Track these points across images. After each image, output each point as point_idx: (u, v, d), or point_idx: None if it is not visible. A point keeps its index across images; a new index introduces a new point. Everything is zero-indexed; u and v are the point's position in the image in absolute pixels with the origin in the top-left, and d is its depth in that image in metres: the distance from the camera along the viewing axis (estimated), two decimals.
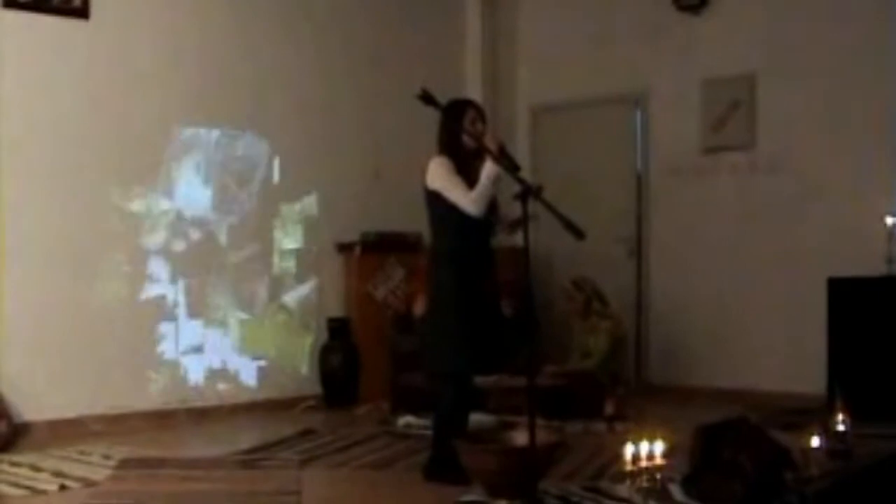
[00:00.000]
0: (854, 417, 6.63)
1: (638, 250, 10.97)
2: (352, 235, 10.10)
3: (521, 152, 11.59)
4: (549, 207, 5.65)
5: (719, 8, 10.38)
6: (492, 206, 6.69)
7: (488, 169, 6.44)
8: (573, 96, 11.40)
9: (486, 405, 8.56)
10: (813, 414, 7.65)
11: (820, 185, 9.69)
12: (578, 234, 5.50)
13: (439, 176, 6.62)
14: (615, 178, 11.15)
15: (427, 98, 6.34)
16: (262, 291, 9.85)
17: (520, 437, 5.92)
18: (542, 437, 5.78)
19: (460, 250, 6.66)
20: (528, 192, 5.66)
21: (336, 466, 7.25)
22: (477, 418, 8.00)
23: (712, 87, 10.38)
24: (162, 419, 9.01)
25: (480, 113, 6.73)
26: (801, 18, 9.89)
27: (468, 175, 6.58)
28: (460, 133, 6.59)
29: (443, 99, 6.42)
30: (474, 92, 11.18)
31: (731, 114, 10.24)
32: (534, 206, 5.69)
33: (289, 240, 10.04)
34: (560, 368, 9.36)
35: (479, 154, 6.59)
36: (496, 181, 6.50)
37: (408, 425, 8.25)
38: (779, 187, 9.94)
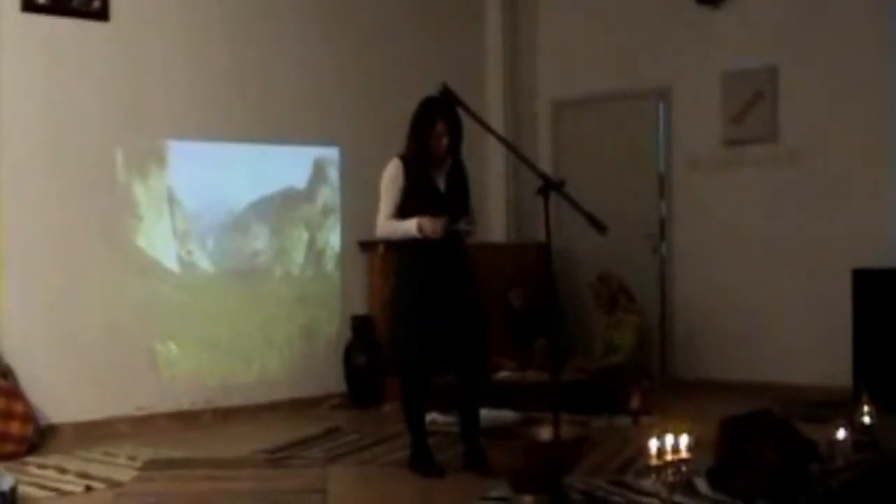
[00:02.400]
0: (880, 409, 6.60)
1: (661, 244, 10.93)
2: (375, 234, 10.06)
3: (542, 147, 11.62)
4: (572, 202, 5.65)
5: (738, 1, 10.34)
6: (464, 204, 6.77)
7: (411, 226, 6.59)
8: (594, 91, 11.36)
9: (510, 401, 8.55)
10: (838, 406, 7.62)
11: (843, 176, 9.66)
12: (600, 227, 5.50)
13: (382, 180, 6.79)
14: (637, 173, 11.11)
15: (448, 94, 6.35)
16: (285, 290, 9.85)
17: (544, 433, 5.91)
18: (567, 431, 5.78)
19: (411, 249, 6.73)
20: (550, 187, 5.66)
21: (361, 464, 7.27)
22: (502, 414, 8.00)
23: (733, 80, 10.34)
24: (187, 420, 9.03)
25: (452, 124, 6.66)
26: (820, 9, 9.84)
27: (426, 179, 6.70)
28: (426, 144, 6.67)
29: (464, 94, 6.42)
30: (495, 86, 11.22)
31: (752, 106, 10.20)
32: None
33: (311, 239, 10.04)
34: (587, 364, 9.37)
35: (445, 157, 6.64)
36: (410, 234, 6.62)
37: (433, 422, 8.23)
38: (802, 179, 9.90)
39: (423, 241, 6.60)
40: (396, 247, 6.91)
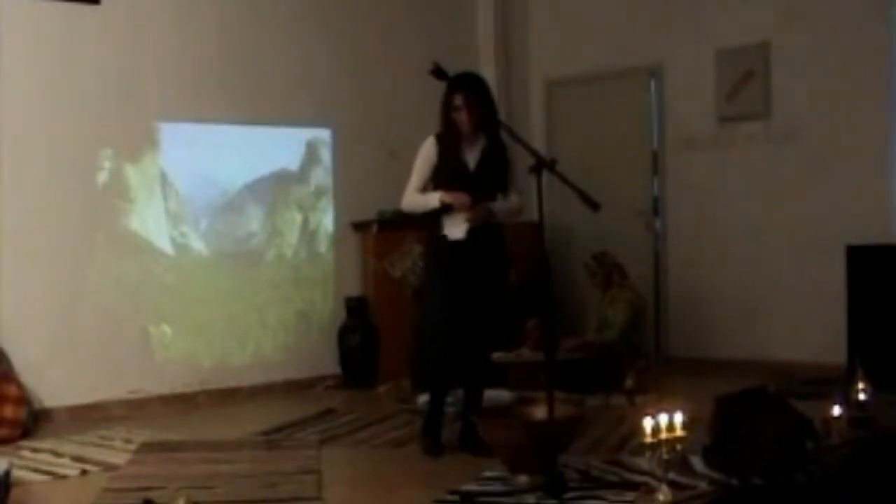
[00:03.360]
0: (875, 386, 6.61)
1: (655, 222, 10.91)
2: (368, 214, 10.07)
3: (535, 125, 11.61)
4: (564, 180, 5.64)
5: None
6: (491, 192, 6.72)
7: (439, 198, 6.58)
8: (587, 69, 11.35)
9: (505, 381, 8.55)
10: (833, 383, 7.61)
11: (837, 152, 9.64)
12: (593, 205, 5.49)
13: (417, 157, 6.79)
14: (631, 151, 11.09)
15: (439, 72, 6.34)
16: (278, 272, 9.83)
17: (539, 412, 5.90)
18: (562, 411, 5.77)
19: (436, 234, 6.73)
20: (542, 165, 5.64)
21: (356, 445, 7.27)
22: (496, 394, 8.00)
23: (726, 56, 10.31)
24: (181, 402, 9.03)
25: (469, 97, 6.57)
26: None
27: (454, 157, 6.67)
28: (449, 121, 6.64)
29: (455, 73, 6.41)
30: (487, 65, 11.16)
31: (745, 83, 10.18)
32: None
33: (305, 220, 10.02)
34: (580, 340, 9.35)
35: (472, 134, 6.60)
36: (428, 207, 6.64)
37: (427, 403, 8.24)
38: (795, 156, 9.88)
39: (441, 234, 6.64)
40: (427, 230, 6.87)
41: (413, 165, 6.80)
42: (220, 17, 9.47)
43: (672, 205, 10.81)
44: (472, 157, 6.68)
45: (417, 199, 6.73)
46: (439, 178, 6.70)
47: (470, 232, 6.59)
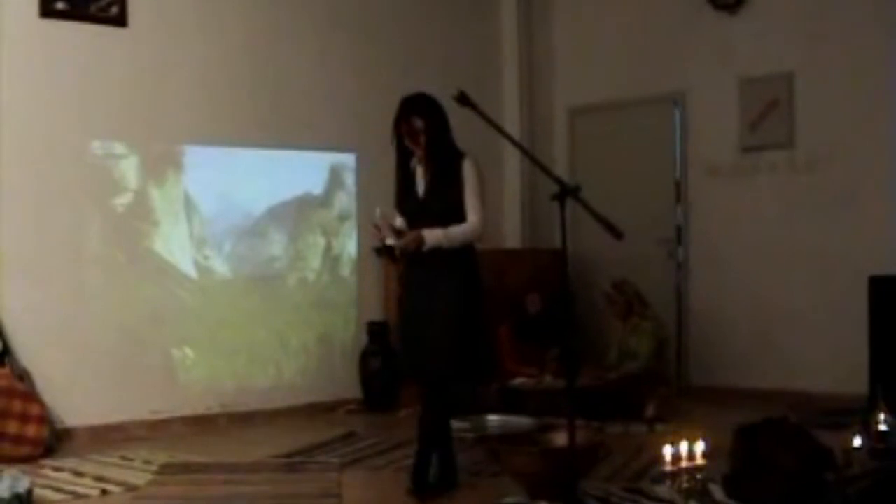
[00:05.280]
0: None
1: (677, 250, 10.91)
2: (390, 239, 10.06)
3: (558, 153, 11.62)
4: (588, 208, 5.63)
5: (756, 6, 10.31)
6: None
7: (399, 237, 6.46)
8: (610, 97, 11.35)
9: (526, 407, 8.55)
10: (854, 413, 7.59)
11: (860, 182, 9.62)
12: (617, 234, 5.48)
13: None
14: (654, 179, 11.09)
15: (464, 100, 6.32)
16: (301, 296, 9.86)
17: (560, 439, 5.91)
18: (583, 438, 5.78)
19: (405, 259, 6.65)
20: (566, 193, 5.64)
21: (377, 469, 7.28)
22: (517, 420, 8.00)
23: (750, 85, 10.32)
24: (203, 424, 9.06)
25: (414, 123, 6.44)
26: (837, 16, 9.81)
27: (405, 185, 6.63)
28: (399, 149, 6.59)
29: (480, 101, 6.40)
30: (511, 92, 11.22)
31: (769, 113, 10.18)
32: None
33: (328, 244, 10.05)
34: (604, 372, 9.32)
35: (424, 158, 6.53)
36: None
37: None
38: (819, 186, 9.87)
39: (407, 259, 6.61)
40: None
41: None
42: (246, 42, 9.53)
43: (695, 233, 10.80)
44: (423, 184, 6.57)
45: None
46: (398, 207, 6.68)
47: (417, 264, 6.56)
